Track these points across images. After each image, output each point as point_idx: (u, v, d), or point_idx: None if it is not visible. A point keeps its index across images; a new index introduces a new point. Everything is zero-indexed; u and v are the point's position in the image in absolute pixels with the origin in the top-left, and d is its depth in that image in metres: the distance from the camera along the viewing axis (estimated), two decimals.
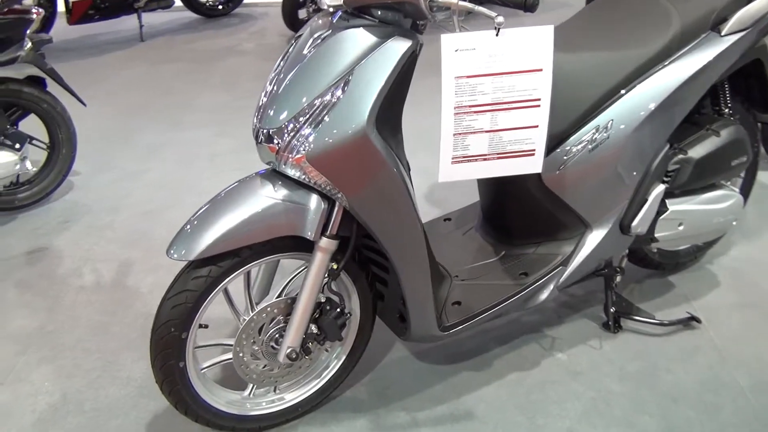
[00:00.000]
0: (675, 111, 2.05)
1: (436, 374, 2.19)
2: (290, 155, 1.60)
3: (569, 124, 1.95)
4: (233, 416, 1.90)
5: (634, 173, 2.03)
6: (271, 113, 1.65)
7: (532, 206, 2.04)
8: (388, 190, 1.63)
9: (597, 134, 1.95)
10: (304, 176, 1.62)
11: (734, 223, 2.36)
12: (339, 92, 1.56)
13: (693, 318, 2.32)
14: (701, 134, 2.17)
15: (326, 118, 1.56)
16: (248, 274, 1.84)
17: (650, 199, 2.08)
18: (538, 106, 1.52)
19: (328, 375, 2.03)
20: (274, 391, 2.00)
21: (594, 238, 2.08)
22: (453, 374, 2.19)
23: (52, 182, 3.26)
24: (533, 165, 1.60)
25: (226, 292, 1.82)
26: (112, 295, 2.65)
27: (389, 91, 1.57)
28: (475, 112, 1.51)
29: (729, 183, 2.33)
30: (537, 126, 1.55)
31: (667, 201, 2.17)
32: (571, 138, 1.95)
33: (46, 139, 3.29)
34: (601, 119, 1.96)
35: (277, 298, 1.86)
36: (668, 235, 2.22)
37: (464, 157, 1.55)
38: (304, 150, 1.58)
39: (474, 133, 1.53)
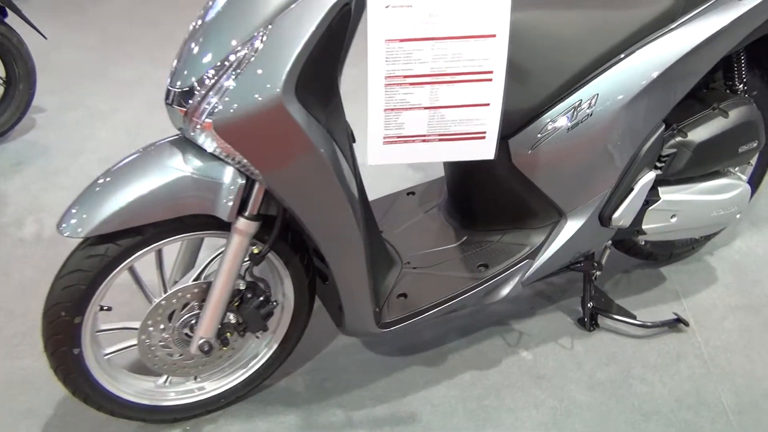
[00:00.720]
0: (676, 86, 1.74)
1: (384, 367, 1.96)
2: (198, 121, 1.34)
3: (545, 96, 1.66)
4: (143, 407, 1.69)
5: (620, 158, 1.74)
6: (183, 70, 1.39)
7: (499, 189, 1.77)
8: (312, 171, 1.37)
9: (578, 110, 1.66)
10: (215, 147, 1.36)
11: (738, 216, 2.06)
12: (252, 50, 1.28)
13: (680, 320, 2.05)
14: (706, 114, 1.87)
15: (235, 82, 1.29)
16: (160, 252, 1.60)
17: (637, 188, 1.79)
18: (490, 80, 1.24)
19: (256, 365, 1.81)
20: (195, 379, 1.78)
21: (569, 228, 1.80)
22: (402, 368, 1.96)
23: (8, 120, 3.03)
24: (484, 150, 1.32)
25: (133, 271, 1.58)
26: (51, 251, 2.44)
27: (315, 53, 1.29)
28: (411, 84, 1.23)
29: (736, 170, 2.02)
30: (488, 104, 1.26)
31: (659, 189, 1.88)
32: (547, 113, 1.66)
33: (2, 74, 3.03)
34: (583, 92, 1.66)
35: (194, 281, 1.62)
36: (658, 228, 1.94)
37: (399, 137, 1.28)
38: (211, 116, 1.32)
39: (410, 109, 1.25)
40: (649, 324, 2.05)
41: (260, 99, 1.28)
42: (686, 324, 2.07)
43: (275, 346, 1.80)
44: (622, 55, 1.68)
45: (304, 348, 1.93)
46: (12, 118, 3.02)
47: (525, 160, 1.69)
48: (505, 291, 1.80)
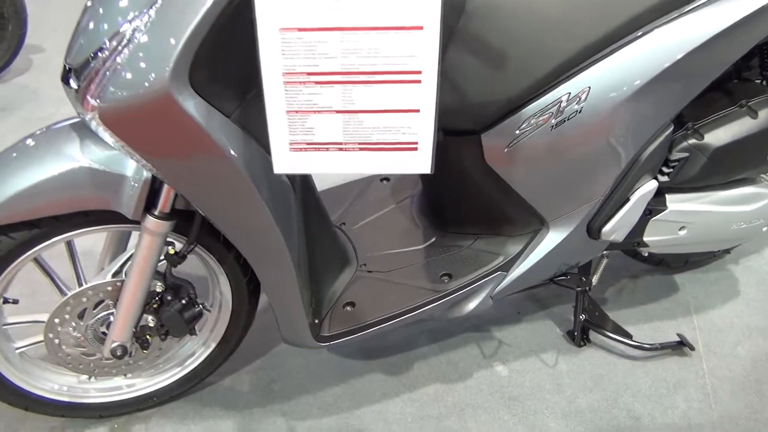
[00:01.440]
0: (691, 80, 1.44)
1: (340, 371, 1.78)
2: (87, 104, 1.14)
3: (526, 86, 1.38)
4: (62, 404, 1.55)
5: (615, 163, 1.46)
6: (79, 40, 1.18)
7: (471, 189, 1.52)
8: (218, 173, 1.15)
9: (565, 105, 1.38)
10: (108, 135, 1.16)
11: (766, 229, 1.75)
12: (143, 22, 1.06)
13: (683, 343, 1.78)
14: (730, 112, 1.56)
15: (124, 60, 1.07)
16: (70, 244, 1.43)
17: (633, 199, 1.51)
18: (418, 82, 0.98)
19: (193, 363, 1.64)
20: (125, 376, 1.62)
21: (551, 239, 1.55)
22: (360, 375, 1.76)
23: None
24: (417, 163, 1.08)
25: (40, 263, 1.42)
26: None
27: (214, 35, 1.05)
28: (317, 82, 0.99)
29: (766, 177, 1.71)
30: (418, 110, 1.01)
31: (666, 197, 1.59)
32: (528, 106, 1.39)
33: None
34: (573, 84, 1.38)
35: (113, 276, 1.44)
36: (663, 241, 1.66)
37: (309, 144, 1.05)
38: (99, 100, 1.11)
39: (318, 112, 1.01)
40: (647, 346, 1.79)
41: (147, 85, 1.06)
42: (692, 348, 1.80)
43: (213, 346, 1.63)
44: (624, 41, 1.38)
45: (257, 343, 1.77)
46: (0, 61, 2.87)
47: (500, 158, 1.43)
48: (471, 306, 1.57)
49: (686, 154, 1.53)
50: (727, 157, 1.55)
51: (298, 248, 1.35)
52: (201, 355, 1.64)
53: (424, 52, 0.96)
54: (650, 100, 1.41)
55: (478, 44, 1.38)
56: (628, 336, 1.79)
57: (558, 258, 1.58)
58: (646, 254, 1.83)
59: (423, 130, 1.03)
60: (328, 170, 1.07)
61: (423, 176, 1.64)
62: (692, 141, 1.53)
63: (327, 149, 1.06)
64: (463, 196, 1.56)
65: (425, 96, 0.99)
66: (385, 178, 1.87)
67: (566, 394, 1.72)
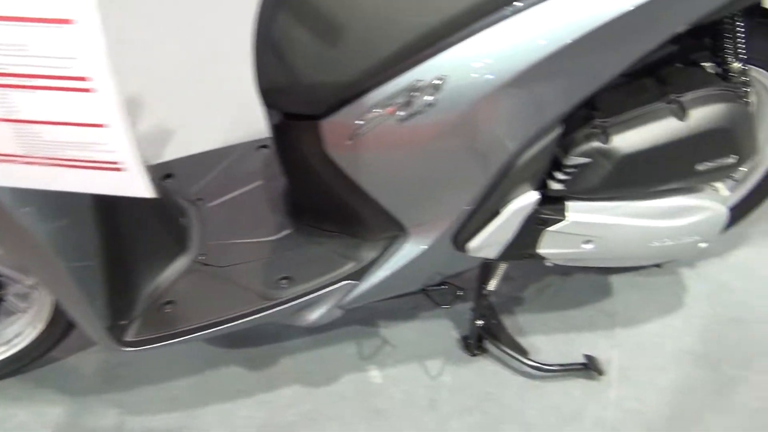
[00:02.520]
0: (587, 70, 1.11)
1: (197, 360, 1.61)
2: None
3: (366, 69, 1.10)
4: None
5: (481, 169, 1.17)
6: None
7: (317, 182, 1.25)
8: None
9: (416, 95, 1.08)
10: None
11: (703, 245, 1.43)
12: None
13: (590, 366, 1.51)
14: (652, 109, 1.21)
15: None
16: None
17: (506, 213, 1.22)
18: (89, 90, 0.71)
19: (21, 343, 1.47)
20: None
21: (411, 248, 1.28)
22: (217, 366, 1.60)
23: None
24: (130, 186, 0.82)
25: None
26: None
27: None
28: None
29: (713, 185, 1.38)
30: (103, 125, 0.74)
31: (567, 205, 1.29)
32: (370, 93, 1.11)
33: None
34: (425, 71, 1.08)
35: None
36: (564, 254, 1.37)
37: None
38: None
39: None
40: (545, 366, 1.52)
41: None
42: (600, 373, 1.53)
43: (41, 326, 1.45)
44: (493, 18, 1.05)
45: None
46: None
47: (343, 151, 1.16)
48: (314, 316, 1.33)
49: (587, 160, 1.21)
50: (640, 167, 1.23)
51: (87, 241, 1.12)
52: (28, 335, 1.48)
53: (85, 53, 0.69)
54: (527, 95, 1.10)
55: (310, 13, 1.08)
56: (524, 352, 1.53)
57: (421, 270, 1.32)
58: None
59: (120, 148, 0.77)
60: (17, 184, 0.83)
61: (276, 158, 1.37)
62: (595, 144, 1.21)
63: (12, 161, 0.81)
64: (311, 188, 1.30)
65: (105, 108, 0.73)
66: (264, 146, 1.61)
67: (441, 413, 1.50)
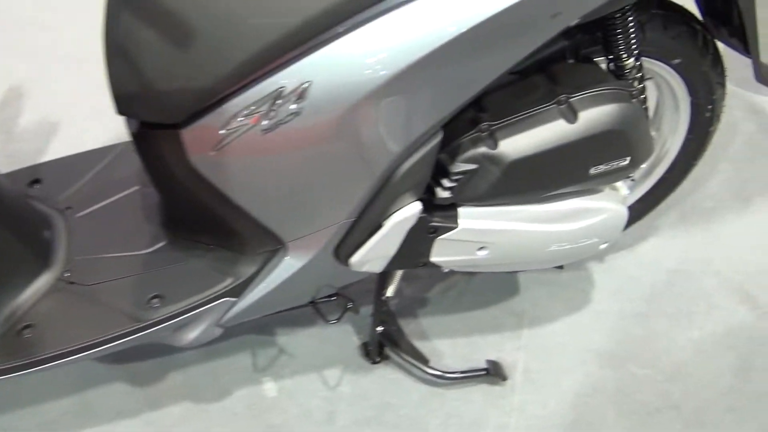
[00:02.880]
0: (467, 73, 1.02)
1: (80, 378, 1.52)
2: None
3: (224, 74, 0.99)
4: None
5: (357, 180, 1.08)
6: None
7: (185, 194, 1.14)
8: None
9: (280, 103, 0.99)
10: None
11: (604, 246, 1.38)
12: None
13: (490, 372, 1.46)
14: (542, 110, 1.14)
15: None
16: None
17: (388, 225, 1.13)
18: None
19: None
20: None
21: (291, 263, 1.20)
22: (100, 384, 1.52)
23: None
24: None
25: None
26: None
27: None
28: None
29: (610, 187, 1.32)
30: None
31: (459, 211, 1.21)
32: (232, 101, 1.01)
33: None
34: (287, 76, 0.98)
35: None
36: (460, 262, 1.30)
37: None
38: None
39: None
40: (446, 375, 1.46)
41: None
42: (503, 378, 1.48)
43: None
44: (360, 18, 0.95)
45: None
46: None
47: (208, 162, 1.06)
48: (191, 336, 1.24)
49: (474, 166, 1.13)
50: (529, 172, 1.16)
51: None
52: None
53: None
54: (403, 101, 1.01)
55: (156, 12, 0.96)
56: (424, 360, 1.47)
57: (305, 284, 1.24)
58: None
59: None
60: None
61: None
62: (482, 149, 1.13)
63: None
64: (180, 199, 1.19)
65: None
66: None
67: (337, 426, 1.43)
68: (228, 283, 1.21)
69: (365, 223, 1.14)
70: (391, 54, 0.97)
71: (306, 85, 0.98)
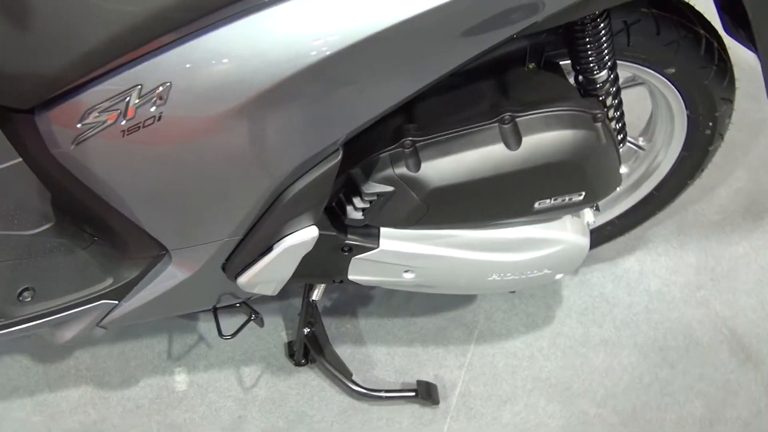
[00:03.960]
0: (376, 80, 0.82)
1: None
2: None
3: (72, 59, 0.81)
4: None
5: (237, 197, 0.90)
6: None
7: (57, 184, 0.98)
8: None
9: (137, 103, 0.81)
10: None
11: (559, 277, 1.19)
12: None
13: (422, 395, 1.31)
14: (480, 129, 0.93)
15: None
16: None
17: (278, 250, 0.96)
18: None
19: None
20: None
21: (175, 273, 1.04)
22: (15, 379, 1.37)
23: None
24: None
25: None
26: None
27: None
28: None
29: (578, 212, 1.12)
30: None
31: (382, 231, 1.03)
32: (87, 92, 0.83)
33: None
34: (144, 73, 0.81)
35: None
36: (382, 282, 1.13)
37: None
38: None
39: None
40: (370, 393, 1.32)
41: None
42: (434, 403, 1.33)
43: None
44: (237, 10, 0.76)
45: None
46: None
47: (69, 155, 0.90)
48: (68, 335, 1.10)
49: (389, 188, 0.94)
50: (457, 203, 0.96)
51: None
52: None
53: None
54: (285, 113, 0.81)
55: None
56: (347, 374, 1.32)
57: (195, 294, 1.09)
58: None
59: None
60: None
61: None
62: (401, 170, 0.94)
63: None
64: (55, 187, 1.03)
65: None
66: None
67: None
68: (108, 284, 1.06)
69: (252, 244, 0.97)
70: (276, 56, 0.77)
71: (166, 85, 0.79)
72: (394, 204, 0.97)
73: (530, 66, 1.00)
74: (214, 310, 1.20)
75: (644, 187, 1.35)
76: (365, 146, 0.97)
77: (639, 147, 1.31)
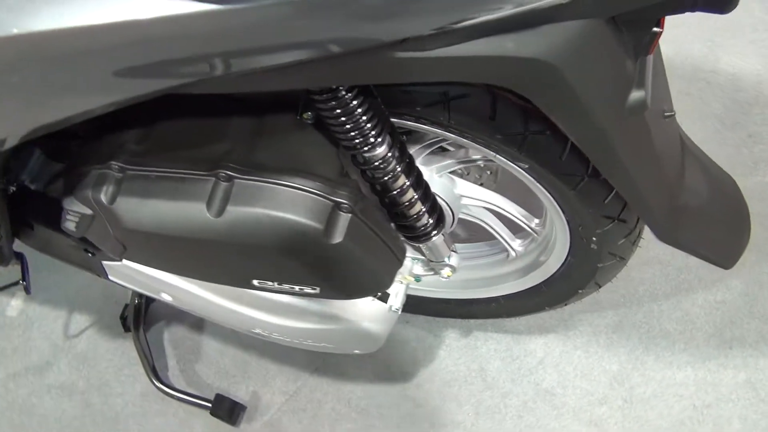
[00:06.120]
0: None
1: None
2: None
3: None
4: None
5: None
6: None
7: None
8: None
9: None
10: None
11: (357, 352, 1.01)
12: None
13: (215, 412, 1.22)
14: (184, 178, 0.77)
15: None
16: None
17: None
18: None
19: None
20: None
21: None
22: None
23: None
24: None
25: None
26: None
27: None
28: None
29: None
30: None
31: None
32: None
33: None
34: None
35: None
36: (154, 296, 1.01)
37: None
38: None
39: None
40: (163, 389, 1.23)
41: None
42: (230, 423, 1.22)
43: None
44: None
45: None
46: None
47: None
48: None
49: (89, 211, 0.80)
50: (158, 253, 0.80)
51: None
52: None
53: None
54: None
55: None
56: (149, 361, 1.23)
57: None
58: None
59: None
60: None
61: None
62: (99, 195, 0.79)
63: None
64: None
65: None
66: None
67: (42, 382, 1.28)
68: None
69: None
70: None
71: None
72: (96, 229, 0.81)
73: (305, 116, 0.78)
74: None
75: (532, 276, 1.09)
76: (93, 153, 0.81)
77: (532, 230, 1.04)
